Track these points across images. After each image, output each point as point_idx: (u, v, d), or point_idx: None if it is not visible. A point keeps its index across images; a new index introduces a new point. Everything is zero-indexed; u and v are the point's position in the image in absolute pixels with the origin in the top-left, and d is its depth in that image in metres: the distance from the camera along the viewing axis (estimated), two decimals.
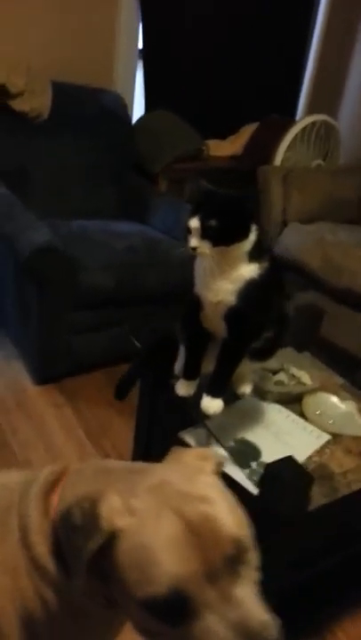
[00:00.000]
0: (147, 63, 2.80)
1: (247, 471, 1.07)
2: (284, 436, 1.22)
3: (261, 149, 2.76)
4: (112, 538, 0.59)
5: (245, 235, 0.95)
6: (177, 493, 0.62)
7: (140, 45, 2.76)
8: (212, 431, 1.18)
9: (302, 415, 1.30)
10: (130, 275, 2.03)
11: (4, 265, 2.10)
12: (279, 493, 0.93)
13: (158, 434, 1.35)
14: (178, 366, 1.18)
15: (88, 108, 2.53)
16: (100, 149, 2.54)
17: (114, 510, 0.60)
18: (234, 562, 0.59)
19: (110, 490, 0.62)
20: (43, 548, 0.68)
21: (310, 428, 1.26)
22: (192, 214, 0.94)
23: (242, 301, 0.98)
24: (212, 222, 0.92)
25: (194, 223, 0.94)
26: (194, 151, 2.76)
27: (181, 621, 0.57)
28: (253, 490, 1.00)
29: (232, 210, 0.93)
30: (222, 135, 3.02)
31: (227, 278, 0.97)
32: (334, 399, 1.35)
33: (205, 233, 0.93)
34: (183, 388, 1.12)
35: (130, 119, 2.70)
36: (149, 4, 2.64)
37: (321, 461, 1.16)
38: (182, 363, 1.18)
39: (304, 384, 1.36)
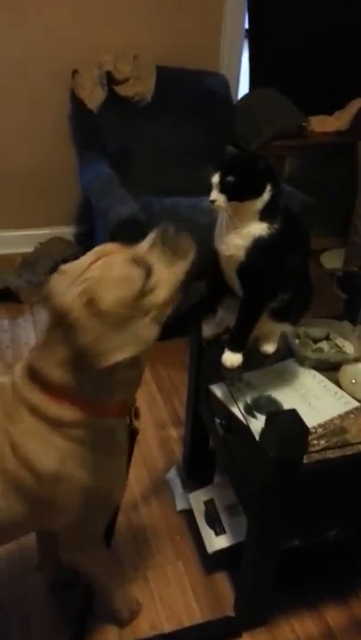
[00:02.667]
0: (252, 43, 2.84)
1: (254, 420, 1.14)
2: (310, 399, 1.26)
3: None
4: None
5: (259, 193, 1.02)
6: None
7: (246, 25, 2.80)
8: (239, 386, 1.27)
9: (337, 383, 1.32)
10: (209, 249, 2.14)
11: (103, 234, 2.34)
12: (276, 438, 1.00)
13: (202, 388, 1.46)
14: (206, 328, 1.29)
15: (190, 90, 2.65)
16: (200, 129, 2.65)
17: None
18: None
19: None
20: (54, 409, 0.92)
21: (341, 394, 1.28)
22: (215, 171, 1.04)
23: (250, 258, 1.06)
24: (229, 178, 1.02)
25: (215, 178, 1.04)
26: (294, 128, 2.74)
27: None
28: (255, 435, 1.07)
29: (247, 168, 1.03)
30: (329, 111, 2.95)
31: (238, 233, 1.06)
32: None
33: (223, 188, 1.03)
34: (208, 331, 1.25)
35: (231, 99, 2.78)
36: None
37: (342, 425, 1.19)
38: (215, 321, 1.29)
39: (345, 354, 1.37)
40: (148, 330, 0.94)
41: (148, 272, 0.92)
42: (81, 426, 0.94)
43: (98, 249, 0.95)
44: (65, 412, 0.92)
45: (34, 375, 0.94)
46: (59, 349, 0.91)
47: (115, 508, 1.14)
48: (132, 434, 1.10)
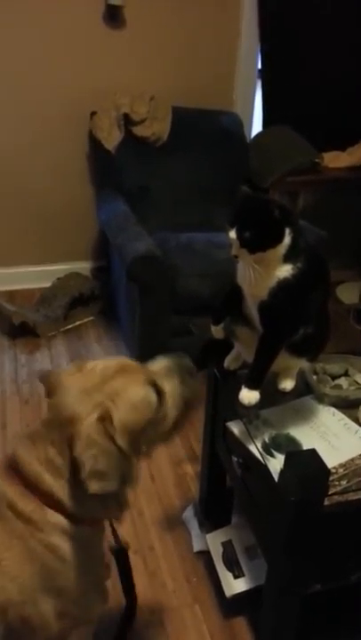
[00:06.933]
0: (265, 82, 2.92)
1: (273, 459, 1.12)
2: (330, 437, 1.24)
3: None
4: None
5: (279, 240, 1.02)
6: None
7: (259, 66, 2.89)
8: (256, 424, 1.25)
9: (357, 421, 1.30)
10: (224, 284, 2.15)
11: (119, 270, 2.38)
12: (295, 479, 0.98)
13: (219, 425, 1.45)
14: (228, 359, 1.29)
15: (205, 130, 2.72)
16: (215, 167, 2.71)
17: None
18: None
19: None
20: (38, 514, 0.87)
21: None
22: (231, 225, 1.05)
23: (273, 298, 1.06)
24: (246, 234, 1.02)
25: (232, 234, 1.04)
26: (307, 164, 2.79)
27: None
28: (275, 477, 1.06)
29: (262, 220, 1.02)
30: (342, 147, 3.00)
31: (263, 276, 1.05)
32: None
33: (243, 243, 1.03)
34: (216, 333, 1.26)
35: (245, 137, 2.84)
36: (268, 25, 2.76)
37: None
38: (232, 355, 1.29)
39: None
40: (136, 468, 0.92)
41: (161, 400, 0.93)
42: (61, 532, 0.89)
43: (119, 363, 0.93)
44: (46, 515, 0.88)
45: (16, 469, 0.90)
46: (51, 453, 0.87)
47: (93, 620, 1.04)
48: (124, 553, 1.08)
